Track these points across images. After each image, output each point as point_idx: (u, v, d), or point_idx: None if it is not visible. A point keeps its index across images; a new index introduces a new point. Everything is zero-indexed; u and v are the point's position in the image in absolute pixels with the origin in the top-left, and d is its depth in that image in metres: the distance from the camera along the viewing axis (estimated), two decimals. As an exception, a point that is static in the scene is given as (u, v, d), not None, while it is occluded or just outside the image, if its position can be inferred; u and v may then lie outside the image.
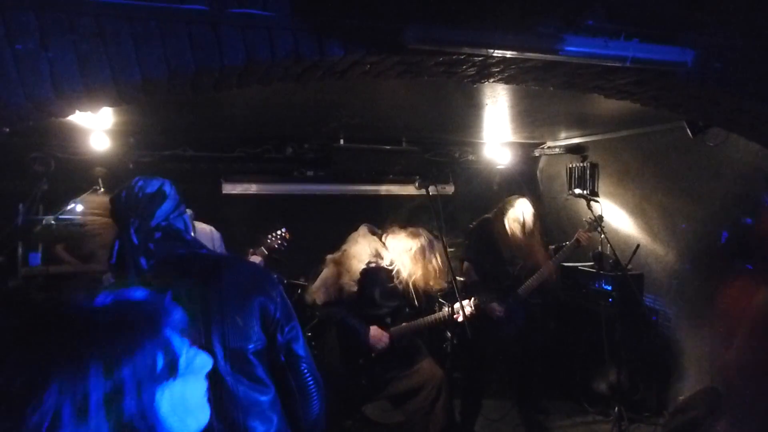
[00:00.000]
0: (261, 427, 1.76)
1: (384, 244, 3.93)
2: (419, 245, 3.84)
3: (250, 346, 1.76)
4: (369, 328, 3.75)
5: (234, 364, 1.73)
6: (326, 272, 3.87)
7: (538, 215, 4.71)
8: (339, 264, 3.84)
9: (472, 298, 3.89)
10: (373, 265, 3.82)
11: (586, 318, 5.18)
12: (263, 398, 1.78)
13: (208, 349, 1.70)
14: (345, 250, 3.89)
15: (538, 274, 4.55)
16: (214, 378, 1.70)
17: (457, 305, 3.74)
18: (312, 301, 3.89)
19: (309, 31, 2.20)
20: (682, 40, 2.60)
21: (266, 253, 4.58)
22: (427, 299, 4.03)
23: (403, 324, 3.89)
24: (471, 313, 3.80)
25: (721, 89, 2.83)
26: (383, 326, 3.82)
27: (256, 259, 4.46)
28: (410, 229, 3.96)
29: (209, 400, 1.68)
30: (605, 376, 4.96)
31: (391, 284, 3.86)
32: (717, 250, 4.53)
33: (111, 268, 1.86)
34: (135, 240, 1.80)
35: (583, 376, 5.18)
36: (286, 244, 4.65)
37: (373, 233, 4.01)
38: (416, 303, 3.94)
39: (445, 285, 4.02)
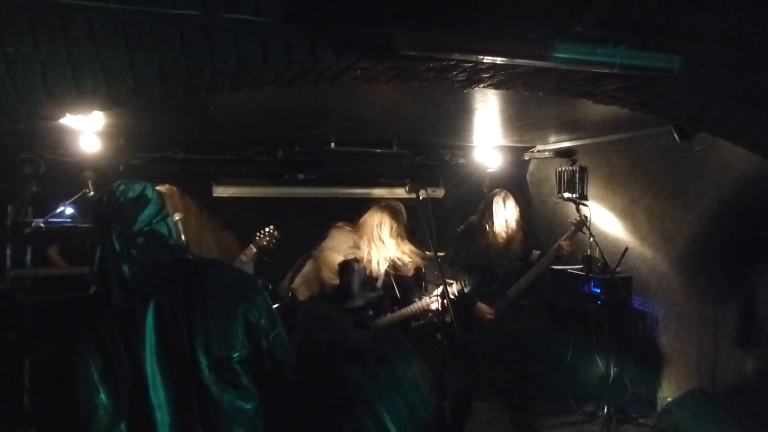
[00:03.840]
0: None
1: (358, 235, 3.95)
2: (387, 215, 3.87)
3: (235, 355, 1.74)
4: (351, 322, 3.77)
5: (218, 373, 1.72)
6: (306, 268, 3.89)
7: (521, 212, 4.72)
8: (316, 259, 3.86)
9: (454, 284, 3.92)
10: (351, 256, 3.85)
11: (575, 320, 5.22)
12: (248, 406, 1.77)
13: (191, 357, 1.70)
14: (322, 246, 3.92)
15: (526, 276, 4.58)
16: (198, 388, 1.70)
17: (437, 292, 3.79)
18: (286, 295, 3.90)
19: (301, 37, 2.22)
20: (670, 46, 2.63)
21: (255, 251, 4.56)
22: (407, 289, 4.05)
23: (387, 315, 3.90)
24: (453, 297, 3.82)
25: (708, 95, 2.87)
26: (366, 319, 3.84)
27: (244, 258, 4.44)
28: (373, 207, 3.99)
29: (194, 411, 1.69)
30: (594, 377, 5.00)
31: (370, 275, 3.88)
32: (704, 253, 4.58)
33: (92, 275, 1.83)
34: (117, 246, 1.75)
35: (572, 378, 5.21)
36: (275, 242, 4.63)
37: (349, 226, 4.04)
38: (397, 293, 3.96)
39: (421, 261, 4.05)
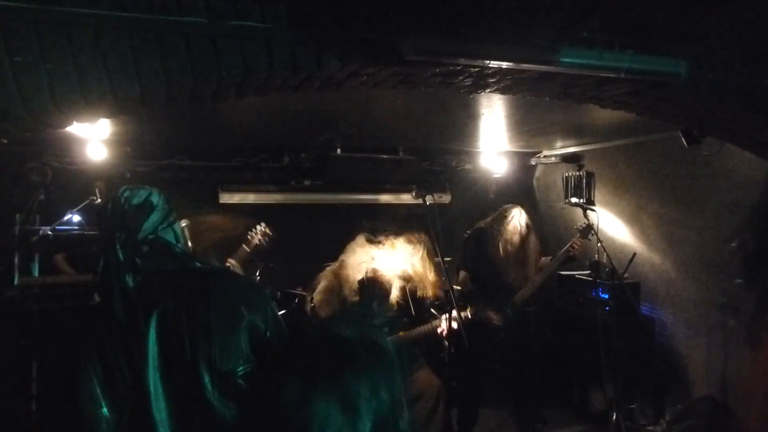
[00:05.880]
0: None
1: (382, 251, 3.94)
2: (424, 246, 3.88)
3: (239, 369, 1.67)
4: None
5: (222, 388, 1.64)
6: (326, 284, 3.85)
7: (533, 224, 4.72)
8: (338, 275, 3.83)
9: (469, 309, 3.89)
10: (371, 275, 3.83)
11: (582, 326, 5.18)
12: None
13: (194, 372, 1.63)
14: (343, 261, 3.88)
15: (532, 283, 4.56)
16: (200, 403, 1.63)
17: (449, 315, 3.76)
18: (311, 312, 3.87)
19: (307, 43, 2.21)
20: (677, 51, 2.62)
21: (248, 251, 4.48)
22: (422, 308, 4.03)
23: (400, 333, 3.89)
24: (465, 320, 3.79)
25: (715, 99, 2.85)
26: None
27: (233, 261, 4.38)
28: (407, 235, 3.98)
29: (196, 426, 1.64)
30: (602, 384, 4.96)
31: (389, 294, 3.86)
32: (713, 258, 4.54)
33: (95, 285, 1.77)
34: (120, 255, 1.70)
35: (580, 385, 5.17)
36: (268, 240, 4.54)
37: (371, 242, 4.00)
38: (412, 312, 3.94)
39: (441, 293, 4.02)
